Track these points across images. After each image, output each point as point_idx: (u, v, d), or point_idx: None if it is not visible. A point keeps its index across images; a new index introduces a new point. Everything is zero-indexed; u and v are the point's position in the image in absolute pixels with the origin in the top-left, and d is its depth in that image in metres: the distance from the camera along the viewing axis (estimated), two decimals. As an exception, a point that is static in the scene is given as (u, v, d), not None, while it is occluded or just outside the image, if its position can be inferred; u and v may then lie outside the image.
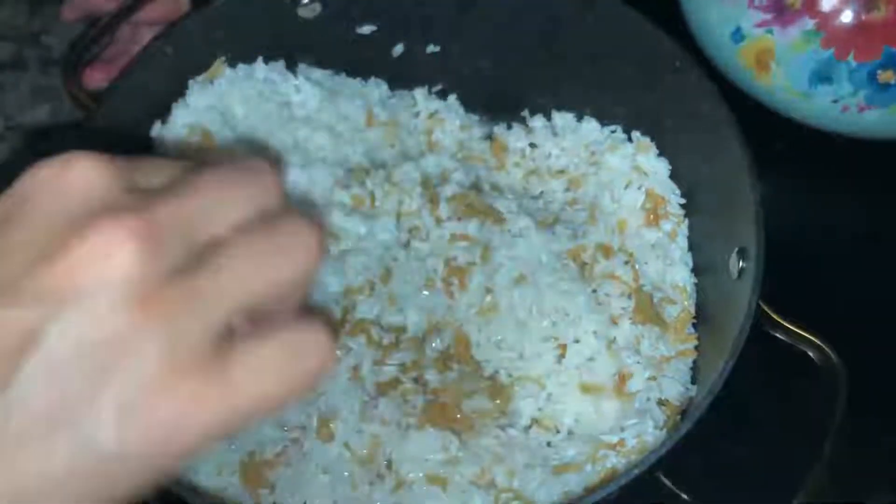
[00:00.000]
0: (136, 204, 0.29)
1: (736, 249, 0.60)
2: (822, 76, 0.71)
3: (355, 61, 0.73)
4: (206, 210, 0.30)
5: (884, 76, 0.69)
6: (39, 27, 0.86)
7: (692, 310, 0.66)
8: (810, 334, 0.57)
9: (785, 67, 0.71)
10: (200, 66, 0.68)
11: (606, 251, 0.66)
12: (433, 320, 0.63)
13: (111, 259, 0.27)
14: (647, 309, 0.64)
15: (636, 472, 0.51)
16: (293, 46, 0.71)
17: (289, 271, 0.30)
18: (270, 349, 0.29)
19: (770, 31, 0.71)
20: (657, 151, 0.70)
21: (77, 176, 0.29)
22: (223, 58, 0.68)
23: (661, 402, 0.62)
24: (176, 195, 0.29)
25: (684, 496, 0.57)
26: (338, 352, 0.62)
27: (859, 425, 0.54)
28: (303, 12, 0.69)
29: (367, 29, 0.72)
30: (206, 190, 0.30)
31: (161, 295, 0.27)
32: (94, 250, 0.27)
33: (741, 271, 0.59)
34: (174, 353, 0.27)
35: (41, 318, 0.27)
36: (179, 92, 0.67)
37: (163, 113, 0.66)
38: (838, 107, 0.71)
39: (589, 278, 0.65)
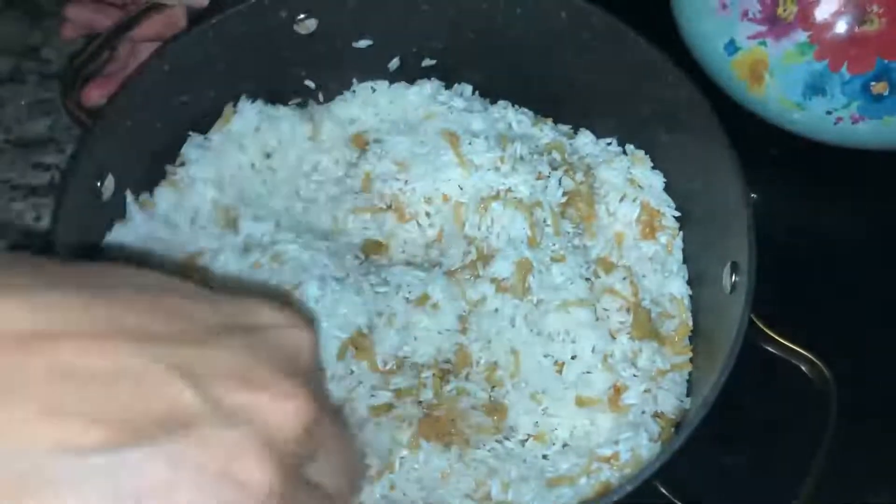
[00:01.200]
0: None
1: (729, 263, 0.60)
2: (815, 88, 0.71)
3: (352, 75, 0.74)
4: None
5: (877, 88, 0.70)
6: (39, 41, 0.87)
7: (690, 323, 0.66)
8: (802, 348, 0.57)
9: (778, 79, 0.72)
10: (198, 82, 0.68)
11: (607, 266, 0.67)
12: (443, 354, 0.63)
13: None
14: (645, 325, 0.64)
15: (629, 487, 0.52)
16: (290, 61, 0.71)
17: None
18: None
19: (763, 43, 0.71)
20: (651, 164, 0.70)
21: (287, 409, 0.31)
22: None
23: (656, 415, 0.62)
24: None
25: (682, 506, 0.58)
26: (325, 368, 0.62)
27: (851, 436, 0.55)
28: (299, 28, 0.70)
29: (363, 43, 0.72)
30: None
31: None
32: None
33: (734, 285, 0.59)
34: None
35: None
36: (177, 109, 0.68)
37: (160, 127, 0.67)
38: (832, 118, 0.72)
39: (590, 294, 0.65)
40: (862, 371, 0.62)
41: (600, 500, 0.53)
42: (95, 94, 0.67)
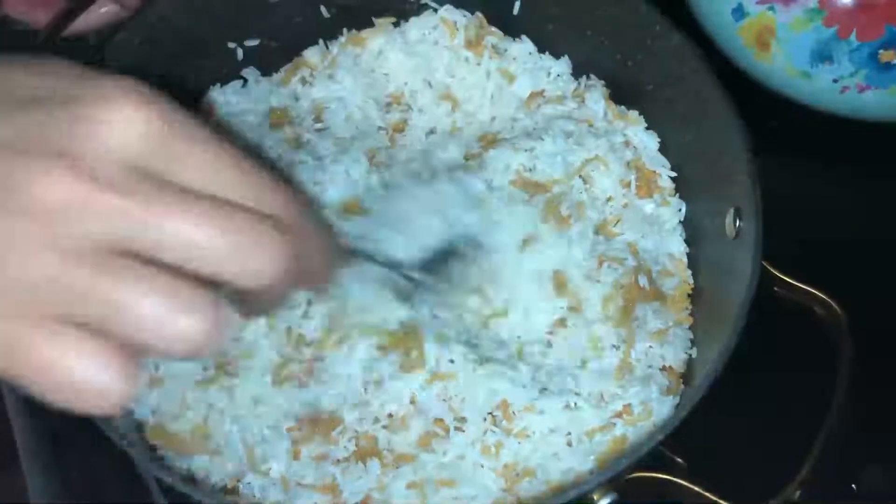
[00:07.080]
0: (119, 189, 0.32)
1: (732, 209, 0.59)
2: (822, 55, 0.70)
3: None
4: (178, 241, 0.33)
5: (885, 56, 0.69)
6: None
7: (690, 281, 0.65)
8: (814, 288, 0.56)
9: (785, 46, 0.71)
10: (169, 50, 0.66)
11: (602, 226, 0.65)
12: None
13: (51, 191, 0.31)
14: (646, 287, 0.63)
15: (660, 437, 0.51)
16: (259, 30, 0.70)
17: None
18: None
19: (772, 9, 0.70)
20: (645, 125, 0.69)
21: (120, 124, 0.32)
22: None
23: (663, 369, 0.61)
24: (167, 213, 0.33)
25: (679, 460, 0.56)
26: None
27: (864, 380, 0.53)
28: None
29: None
30: (201, 226, 0.33)
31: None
32: (47, 185, 0.31)
33: (738, 230, 0.58)
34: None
35: None
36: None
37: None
38: (838, 87, 0.71)
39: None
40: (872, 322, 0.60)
41: (623, 458, 0.52)
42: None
